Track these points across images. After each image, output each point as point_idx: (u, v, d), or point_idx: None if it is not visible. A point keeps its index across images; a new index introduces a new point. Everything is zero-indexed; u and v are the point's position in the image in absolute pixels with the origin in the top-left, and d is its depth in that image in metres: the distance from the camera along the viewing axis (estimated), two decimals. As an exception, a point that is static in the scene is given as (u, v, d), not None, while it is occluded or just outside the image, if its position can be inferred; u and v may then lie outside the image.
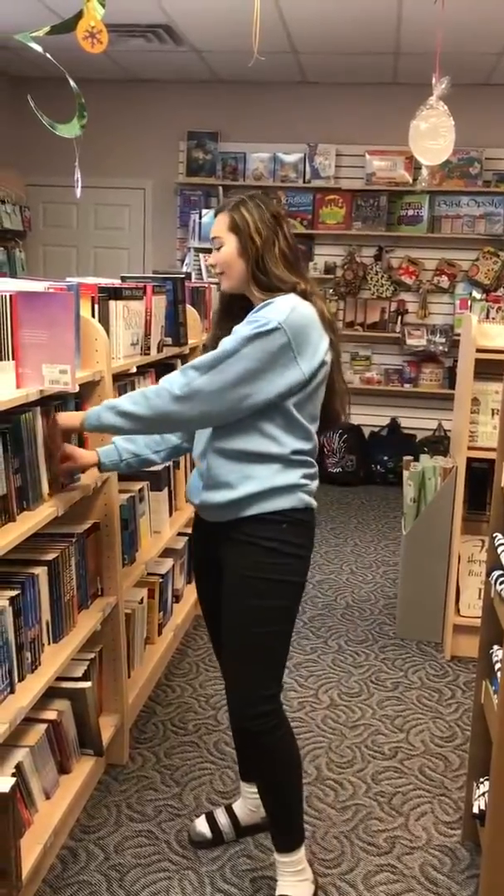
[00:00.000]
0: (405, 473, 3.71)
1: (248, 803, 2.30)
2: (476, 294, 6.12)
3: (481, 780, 2.18)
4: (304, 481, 1.95)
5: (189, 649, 3.46)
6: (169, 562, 3.31)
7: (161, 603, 3.16)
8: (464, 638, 3.50)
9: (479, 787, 2.18)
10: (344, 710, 3.02)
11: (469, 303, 6.11)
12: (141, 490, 2.94)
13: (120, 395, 2.78)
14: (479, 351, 3.33)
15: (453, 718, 3.01)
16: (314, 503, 1.99)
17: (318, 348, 1.89)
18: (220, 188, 6.31)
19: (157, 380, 3.22)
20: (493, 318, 6.06)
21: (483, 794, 2.13)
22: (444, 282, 6.19)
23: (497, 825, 1.92)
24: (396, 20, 4.85)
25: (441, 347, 6.15)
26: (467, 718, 2.99)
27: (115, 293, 2.60)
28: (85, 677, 2.33)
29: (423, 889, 2.17)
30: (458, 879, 2.21)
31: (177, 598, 3.46)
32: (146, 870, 2.19)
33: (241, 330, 1.85)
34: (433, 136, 4.22)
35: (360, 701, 3.10)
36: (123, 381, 2.75)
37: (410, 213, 6.13)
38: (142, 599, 2.96)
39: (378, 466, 6.29)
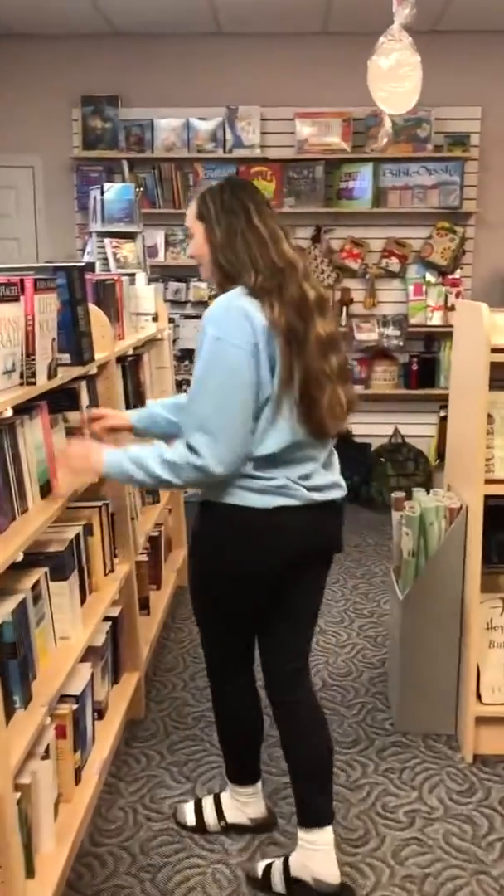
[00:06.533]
0: (395, 516, 2.82)
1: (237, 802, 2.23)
2: (431, 277, 5.30)
3: None
4: None
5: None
6: (86, 669, 2.34)
7: (77, 738, 2.18)
8: (489, 731, 2.64)
9: None
10: (349, 874, 2.10)
11: (424, 288, 5.30)
12: (35, 586, 1.97)
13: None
14: (494, 351, 2.48)
15: (501, 872, 2.14)
16: None
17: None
18: (125, 162, 5.29)
19: (50, 412, 2.26)
20: (452, 306, 5.27)
21: None
22: (394, 264, 5.33)
23: None
24: None
25: (395, 341, 5.30)
26: (522, 871, 2.16)
27: (-33, 293, 1.61)
28: None
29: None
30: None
31: (99, 714, 2.49)
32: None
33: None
34: (396, 77, 3.34)
35: (369, 853, 2.19)
36: (-5, 428, 1.76)
37: (351, 185, 5.23)
38: (46, 750, 1.98)
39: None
